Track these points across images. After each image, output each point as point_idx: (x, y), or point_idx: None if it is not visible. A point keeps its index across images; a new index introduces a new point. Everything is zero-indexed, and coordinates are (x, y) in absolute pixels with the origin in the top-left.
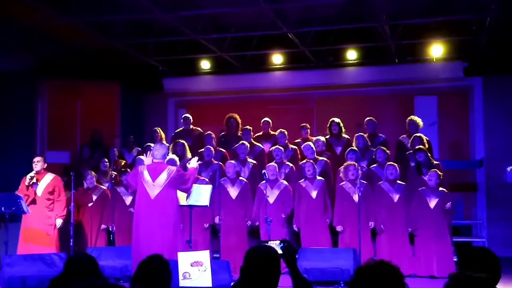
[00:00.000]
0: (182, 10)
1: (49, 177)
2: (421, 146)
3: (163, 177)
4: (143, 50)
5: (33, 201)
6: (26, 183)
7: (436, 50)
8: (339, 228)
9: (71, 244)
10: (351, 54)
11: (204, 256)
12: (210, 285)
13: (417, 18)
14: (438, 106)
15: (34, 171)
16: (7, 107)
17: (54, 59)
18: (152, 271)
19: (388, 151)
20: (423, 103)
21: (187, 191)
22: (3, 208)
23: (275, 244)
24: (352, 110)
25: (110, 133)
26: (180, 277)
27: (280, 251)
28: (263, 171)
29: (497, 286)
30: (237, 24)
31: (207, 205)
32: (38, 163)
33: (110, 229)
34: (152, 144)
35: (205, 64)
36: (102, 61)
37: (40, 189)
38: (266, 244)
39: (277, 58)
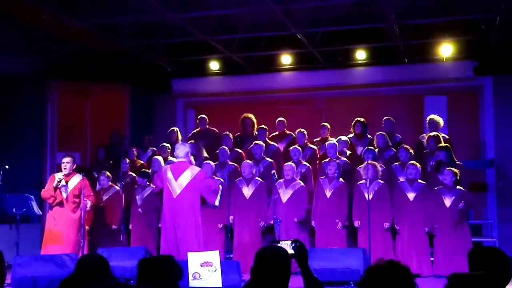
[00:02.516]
0: (191, 11)
1: (76, 179)
2: (444, 144)
3: (185, 176)
4: (152, 51)
5: (60, 203)
6: (54, 185)
7: (446, 49)
8: (356, 224)
9: (81, 245)
10: (360, 54)
11: (214, 256)
12: (220, 285)
13: (426, 17)
14: (448, 106)
15: (62, 173)
16: (16, 109)
17: (63, 61)
18: (154, 271)
19: (411, 151)
20: (433, 103)
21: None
22: (14, 209)
23: (286, 244)
24: (362, 110)
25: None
26: (190, 277)
27: (291, 251)
28: (272, 171)
29: (507, 286)
30: (245, 25)
31: (216, 206)
32: (67, 164)
33: (131, 229)
34: (166, 144)
35: (213, 65)
36: (112, 63)
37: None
38: (277, 244)
39: (286, 59)
